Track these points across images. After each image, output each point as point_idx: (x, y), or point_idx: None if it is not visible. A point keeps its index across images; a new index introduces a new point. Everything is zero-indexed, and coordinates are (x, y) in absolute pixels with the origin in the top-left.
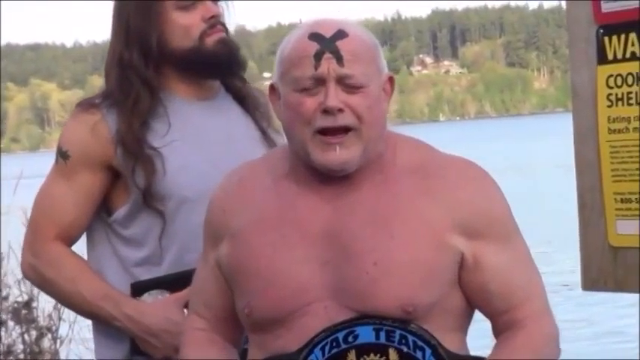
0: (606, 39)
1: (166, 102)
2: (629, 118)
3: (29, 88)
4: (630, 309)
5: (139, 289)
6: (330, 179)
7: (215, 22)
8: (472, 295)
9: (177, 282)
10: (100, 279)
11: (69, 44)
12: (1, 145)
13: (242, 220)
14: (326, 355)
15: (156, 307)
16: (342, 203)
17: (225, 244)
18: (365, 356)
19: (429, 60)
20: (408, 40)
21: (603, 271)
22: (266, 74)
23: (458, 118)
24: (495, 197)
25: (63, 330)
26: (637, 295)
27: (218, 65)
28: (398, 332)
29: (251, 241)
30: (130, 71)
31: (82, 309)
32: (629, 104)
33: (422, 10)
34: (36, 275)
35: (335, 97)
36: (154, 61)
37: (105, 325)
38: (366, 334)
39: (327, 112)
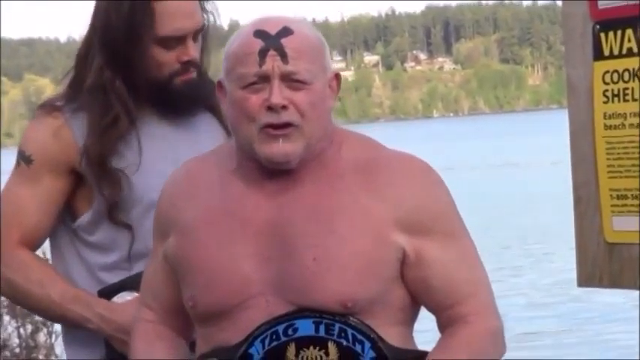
0: (602, 35)
1: (138, 123)
2: (626, 114)
3: (23, 84)
4: None
5: (106, 293)
6: (274, 175)
7: (188, 66)
8: (415, 290)
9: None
10: (68, 282)
11: (63, 39)
12: None
13: (188, 213)
14: (266, 348)
15: (127, 305)
16: (285, 199)
17: (173, 237)
18: (304, 349)
19: (422, 56)
20: (401, 36)
21: (598, 267)
22: None
23: (452, 115)
24: (439, 194)
25: (58, 325)
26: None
27: (181, 103)
28: (337, 325)
29: (196, 235)
30: (113, 95)
31: (52, 313)
32: (626, 100)
33: (416, 6)
34: (5, 284)
35: (279, 94)
36: (135, 90)
37: (76, 329)
38: (305, 328)
39: (271, 108)
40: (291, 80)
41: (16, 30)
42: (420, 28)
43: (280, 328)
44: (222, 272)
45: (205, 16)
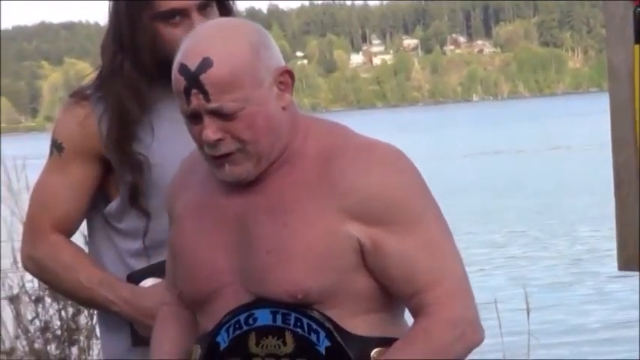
0: None
1: (155, 107)
2: None
3: (63, 67)
4: None
5: (134, 279)
6: None
7: None
8: (379, 279)
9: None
10: (96, 266)
11: (102, 23)
12: (35, 124)
13: (180, 203)
14: (230, 336)
15: (151, 290)
16: (250, 193)
17: (171, 226)
18: (264, 338)
19: (462, 39)
20: (441, 20)
21: (639, 251)
22: (299, 53)
23: (491, 98)
24: (396, 182)
25: None
26: None
27: None
28: (293, 315)
29: (181, 224)
30: (124, 80)
31: (80, 296)
32: None
33: None
34: (35, 266)
35: (210, 130)
36: (147, 74)
37: (104, 312)
38: (264, 317)
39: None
40: (219, 115)
41: (56, 13)
42: (459, 11)
43: (242, 318)
44: (197, 262)
45: None
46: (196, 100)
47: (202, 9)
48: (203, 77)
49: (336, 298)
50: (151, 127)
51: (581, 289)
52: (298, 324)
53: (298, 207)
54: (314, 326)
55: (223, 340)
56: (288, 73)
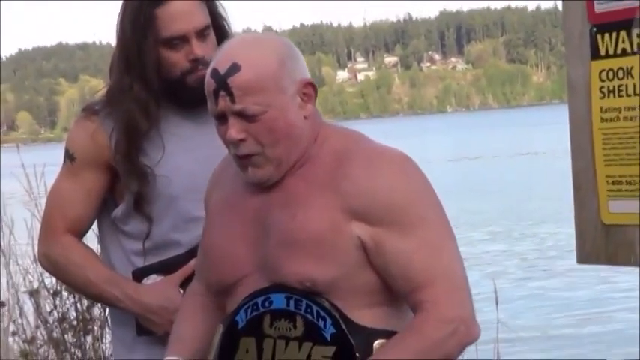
0: (599, 37)
1: (161, 122)
2: (620, 108)
3: (79, 84)
4: None
5: (138, 276)
6: None
7: (197, 64)
8: (381, 276)
9: (170, 266)
10: (104, 265)
11: (114, 43)
12: (53, 135)
13: (212, 200)
14: (248, 317)
15: (153, 288)
16: (269, 192)
17: (205, 219)
18: (277, 320)
19: (437, 57)
20: (418, 39)
21: (596, 247)
22: None
23: (464, 109)
24: (400, 186)
25: None
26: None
27: (195, 99)
28: (305, 302)
29: (210, 219)
30: (132, 98)
31: (90, 292)
32: (620, 96)
33: (431, 12)
34: (49, 264)
35: (234, 130)
36: (154, 93)
37: (111, 307)
38: (278, 301)
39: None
40: (242, 116)
41: (72, 35)
42: (434, 31)
43: (259, 300)
44: (223, 254)
45: (215, 16)
46: (223, 102)
47: (200, 34)
48: (230, 80)
49: (343, 289)
50: (160, 141)
51: (546, 280)
52: (309, 310)
53: (307, 202)
54: (322, 313)
55: (241, 320)
56: (311, 85)
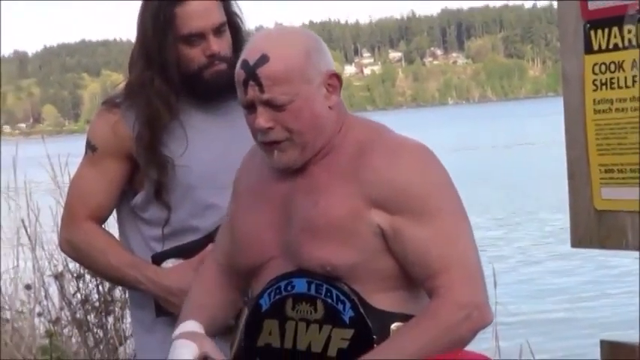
0: (592, 32)
1: (181, 115)
2: (612, 100)
3: (101, 78)
4: None
5: (157, 260)
6: None
7: (213, 59)
8: (399, 262)
9: (188, 251)
10: (125, 250)
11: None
12: (77, 127)
13: (242, 186)
14: (271, 300)
15: (173, 271)
16: (295, 177)
17: (231, 204)
18: (299, 304)
19: (439, 52)
20: (421, 36)
21: (589, 231)
22: None
23: (464, 102)
24: (418, 177)
25: None
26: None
27: (213, 93)
28: (325, 286)
29: (239, 204)
30: (153, 92)
31: (111, 276)
32: (612, 88)
33: (433, 9)
34: (71, 249)
35: (262, 119)
36: (175, 88)
37: (132, 290)
38: (300, 286)
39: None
40: (270, 105)
41: (95, 32)
42: (436, 28)
43: (282, 284)
44: (250, 238)
45: (230, 14)
46: (252, 91)
47: (217, 31)
48: (259, 71)
49: (362, 274)
50: (182, 132)
51: (542, 264)
52: (329, 294)
53: (329, 190)
54: (341, 297)
55: (265, 303)
56: (337, 77)
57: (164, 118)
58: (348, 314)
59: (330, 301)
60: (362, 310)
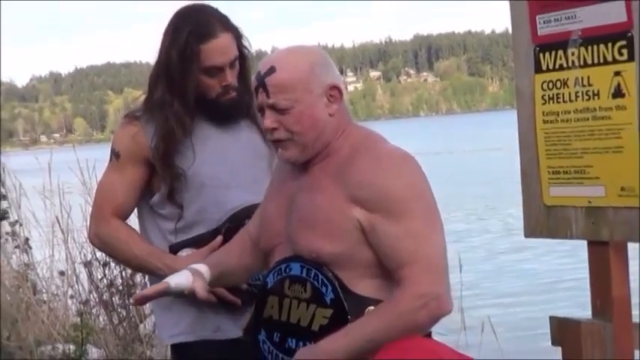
0: (541, 55)
1: (195, 131)
2: (558, 112)
3: (123, 95)
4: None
5: (174, 250)
6: (302, 163)
7: (228, 88)
8: (376, 253)
9: (200, 242)
10: (146, 242)
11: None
12: (103, 137)
13: (274, 177)
14: (274, 279)
15: (186, 259)
16: (301, 177)
17: (267, 189)
18: (294, 284)
19: (412, 71)
20: (396, 57)
21: (540, 224)
22: None
23: (434, 114)
24: (397, 182)
25: None
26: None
27: (227, 116)
28: (314, 271)
29: (268, 192)
30: (171, 112)
31: (134, 264)
32: (558, 102)
33: (406, 35)
34: (99, 241)
35: (269, 120)
36: (191, 110)
37: (151, 276)
38: (296, 269)
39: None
40: (276, 109)
41: (119, 55)
42: (409, 51)
43: (283, 267)
44: (267, 223)
45: (241, 48)
46: (261, 96)
47: (232, 65)
48: (267, 79)
49: (345, 262)
50: (192, 148)
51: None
52: (316, 278)
53: (322, 188)
54: (325, 281)
55: (270, 281)
56: (338, 89)
57: (178, 136)
58: (329, 296)
59: (316, 283)
60: (341, 294)
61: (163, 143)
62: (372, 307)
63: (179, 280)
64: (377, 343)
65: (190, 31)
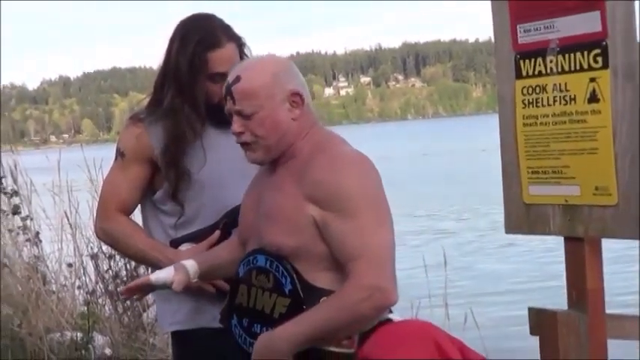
0: (522, 62)
1: (203, 135)
2: (537, 115)
3: (128, 98)
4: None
5: (175, 244)
6: (271, 163)
7: None
8: (328, 247)
9: (199, 236)
10: (149, 236)
11: (155, 67)
12: (109, 137)
13: (254, 176)
14: (244, 270)
15: (186, 252)
16: (269, 176)
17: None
18: (259, 275)
19: (400, 77)
20: (386, 64)
21: (520, 220)
22: None
23: (421, 117)
24: (349, 182)
25: None
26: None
27: (228, 120)
28: (275, 263)
29: (246, 190)
30: (182, 116)
31: (138, 257)
32: (537, 106)
33: (395, 43)
34: (105, 235)
35: (236, 125)
36: (202, 114)
37: (154, 268)
38: (261, 261)
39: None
40: (241, 115)
41: (124, 61)
42: (398, 58)
43: (251, 258)
44: (242, 218)
45: (242, 56)
46: (229, 104)
47: None
48: (233, 88)
49: (302, 256)
50: (202, 149)
51: (485, 247)
52: (277, 269)
53: (284, 188)
54: (285, 273)
55: (241, 271)
56: (299, 95)
57: (189, 139)
58: (287, 287)
59: (277, 275)
60: (298, 285)
61: (174, 145)
62: (325, 298)
63: (160, 274)
64: (325, 331)
65: (198, 41)
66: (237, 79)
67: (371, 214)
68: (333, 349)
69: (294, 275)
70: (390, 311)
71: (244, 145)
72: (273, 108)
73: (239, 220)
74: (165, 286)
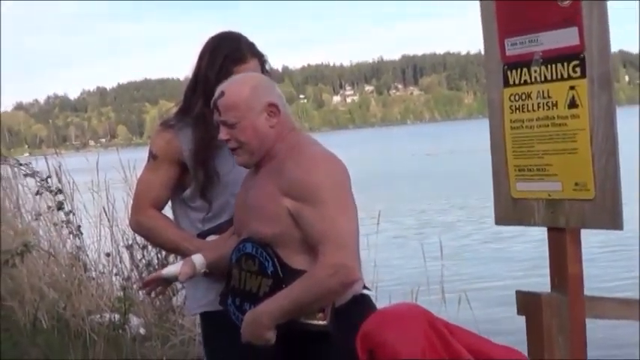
0: (509, 71)
1: None
2: (523, 120)
3: (158, 106)
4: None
5: (203, 236)
6: (257, 163)
7: None
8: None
9: (223, 229)
10: (179, 228)
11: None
12: (141, 141)
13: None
14: (236, 256)
15: (214, 242)
16: (253, 176)
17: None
18: (247, 260)
19: (400, 86)
20: (387, 74)
21: (508, 213)
22: (301, 96)
23: (419, 122)
24: (316, 177)
25: None
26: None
27: None
28: (260, 249)
29: (240, 190)
30: (212, 123)
31: (169, 247)
32: (523, 112)
33: (395, 55)
34: (139, 228)
35: (222, 133)
36: None
37: (184, 256)
38: (248, 247)
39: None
40: (227, 124)
41: (154, 73)
42: (398, 68)
43: (241, 246)
44: (235, 211)
45: (264, 71)
46: (216, 115)
47: None
48: (219, 102)
49: (282, 241)
50: (228, 153)
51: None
52: (262, 255)
53: (264, 186)
54: (267, 257)
55: (234, 257)
56: (275, 106)
57: (218, 144)
58: (270, 269)
59: (261, 259)
60: (278, 267)
61: (203, 149)
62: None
63: (170, 269)
64: (300, 305)
65: (226, 55)
66: (222, 94)
67: (335, 203)
68: (309, 321)
69: (275, 259)
70: (366, 288)
71: (232, 150)
72: (253, 118)
73: (233, 216)
74: (175, 278)
